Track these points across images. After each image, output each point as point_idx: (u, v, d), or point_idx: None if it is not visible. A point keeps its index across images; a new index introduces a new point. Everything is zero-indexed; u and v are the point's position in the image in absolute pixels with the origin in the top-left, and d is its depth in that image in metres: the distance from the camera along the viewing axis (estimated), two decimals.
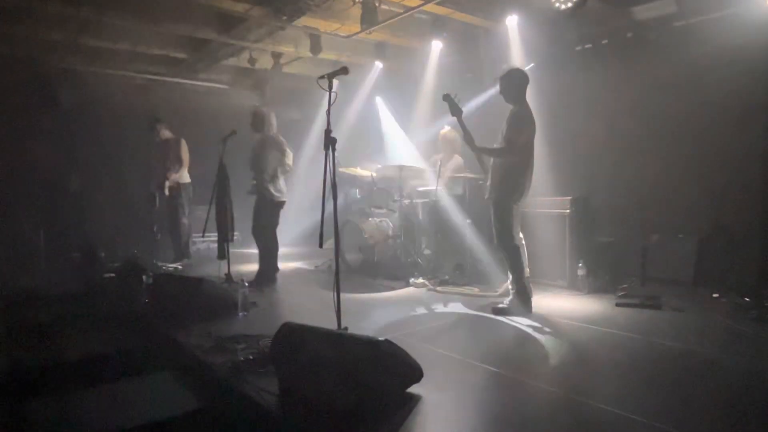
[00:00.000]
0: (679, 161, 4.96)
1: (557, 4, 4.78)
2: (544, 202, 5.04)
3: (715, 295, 4.26)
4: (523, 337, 3.51)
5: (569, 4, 4.74)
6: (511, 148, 4.00)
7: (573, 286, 4.73)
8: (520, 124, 4.03)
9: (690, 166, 4.88)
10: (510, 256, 4.13)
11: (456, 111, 4.18)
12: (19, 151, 7.13)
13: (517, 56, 5.69)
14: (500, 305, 4.11)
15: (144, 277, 4.87)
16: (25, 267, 6.48)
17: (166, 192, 6.54)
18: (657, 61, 5.08)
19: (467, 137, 4.17)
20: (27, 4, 5.05)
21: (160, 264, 6.39)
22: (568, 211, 4.83)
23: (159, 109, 7.85)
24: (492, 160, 4.22)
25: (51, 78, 6.73)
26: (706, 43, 4.69)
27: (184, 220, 6.64)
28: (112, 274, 5.42)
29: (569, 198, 4.87)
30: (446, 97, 4.19)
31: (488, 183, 4.25)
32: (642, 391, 2.50)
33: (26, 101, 6.69)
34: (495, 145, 4.18)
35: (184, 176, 6.69)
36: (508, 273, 4.24)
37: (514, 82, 4.11)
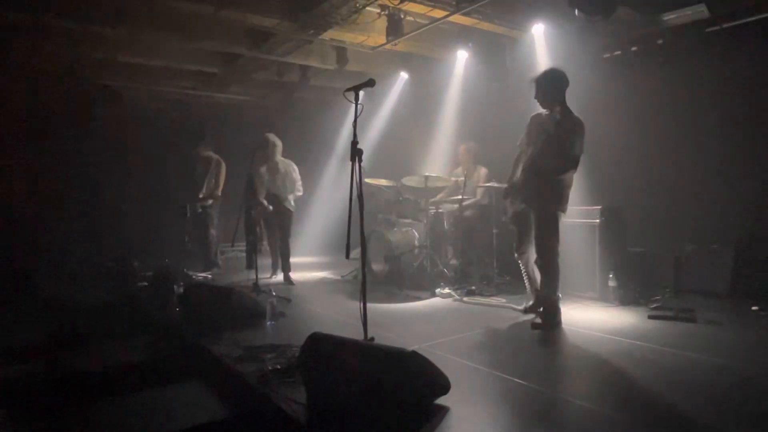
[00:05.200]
0: (714, 169, 4.82)
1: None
2: (574, 212, 4.94)
3: (753, 308, 4.10)
4: (552, 350, 3.46)
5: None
6: (577, 160, 3.83)
7: (603, 297, 4.63)
8: (582, 131, 3.85)
9: (725, 173, 4.75)
10: (555, 271, 3.93)
11: None
12: (58, 165, 7.43)
13: (544, 65, 5.64)
14: (536, 320, 4.00)
15: (175, 286, 4.99)
16: (63, 277, 6.70)
17: (199, 209, 6.80)
18: (688, 69, 4.97)
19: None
20: (69, 25, 5.28)
21: (190, 273, 6.53)
22: (598, 221, 4.75)
23: (189, 122, 8.09)
24: (520, 166, 4.12)
25: (90, 94, 6.99)
26: (740, 49, 4.58)
27: (213, 231, 6.83)
28: (145, 284, 5.56)
29: (599, 208, 4.78)
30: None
31: (516, 190, 4.15)
32: (677, 407, 2.43)
33: (66, 117, 6.97)
34: (532, 154, 4.05)
35: (217, 193, 6.94)
36: (540, 286, 4.09)
37: (556, 83, 3.92)
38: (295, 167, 6.39)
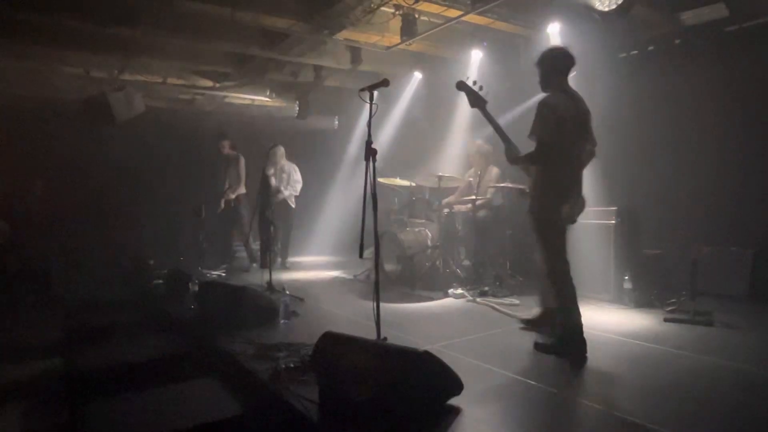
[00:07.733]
0: (732, 170, 4.75)
1: (600, 7, 4.64)
2: (589, 213, 4.88)
3: None
4: None
5: (613, 6, 4.58)
6: (542, 148, 3.12)
7: (618, 299, 4.58)
8: (543, 113, 3.12)
9: (743, 175, 4.67)
10: (558, 282, 3.21)
11: (477, 101, 3.43)
12: (74, 164, 7.55)
13: None
14: (542, 341, 3.39)
15: (190, 284, 5.04)
16: (81, 275, 6.81)
17: (221, 206, 7.02)
18: (706, 69, 4.89)
19: (502, 136, 3.41)
20: (88, 28, 5.35)
21: (205, 272, 6.60)
22: (613, 221, 4.70)
23: (204, 122, 8.17)
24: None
25: (104, 93, 7.09)
26: (760, 48, 4.50)
27: (247, 229, 6.94)
28: (160, 281, 5.63)
29: (614, 208, 4.73)
30: (461, 86, 3.49)
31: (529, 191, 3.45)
32: (693, 412, 2.40)
33: (81, 116, 7.07)
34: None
35: (242, 188, 7.10)
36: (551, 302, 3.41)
37: (545, 65, 3.35)
38: (297, 170, 7.38)
